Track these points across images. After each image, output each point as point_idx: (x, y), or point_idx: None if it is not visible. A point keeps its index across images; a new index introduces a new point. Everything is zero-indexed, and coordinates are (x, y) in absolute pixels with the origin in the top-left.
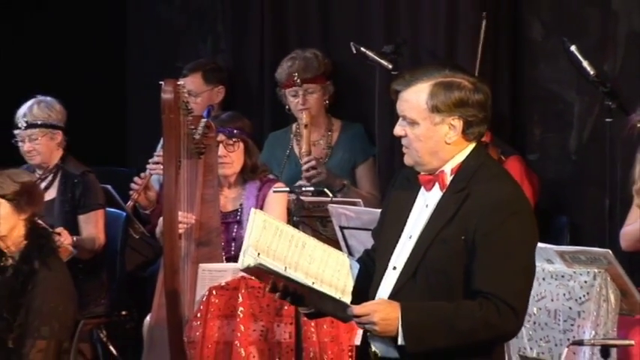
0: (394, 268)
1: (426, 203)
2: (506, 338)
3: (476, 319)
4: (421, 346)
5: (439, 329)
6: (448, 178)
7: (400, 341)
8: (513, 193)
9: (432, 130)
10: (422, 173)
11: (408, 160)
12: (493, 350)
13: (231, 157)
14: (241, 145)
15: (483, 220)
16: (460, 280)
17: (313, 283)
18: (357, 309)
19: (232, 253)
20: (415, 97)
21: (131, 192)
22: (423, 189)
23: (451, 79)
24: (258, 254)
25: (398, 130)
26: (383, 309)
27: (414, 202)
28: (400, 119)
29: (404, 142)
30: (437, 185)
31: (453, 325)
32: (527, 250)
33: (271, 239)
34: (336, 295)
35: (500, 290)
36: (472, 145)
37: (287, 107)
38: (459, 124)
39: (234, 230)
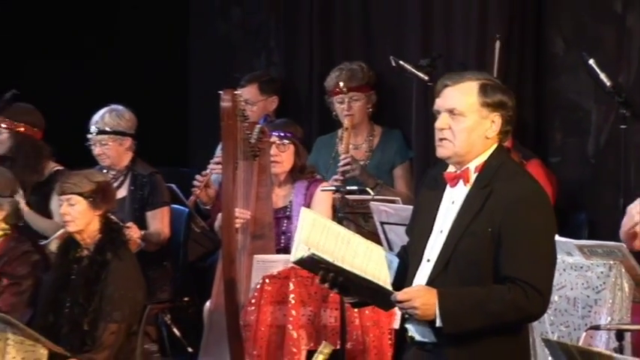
0: (428, 260)
1: (452, 200)
2: (534, 319)
3: (506, 302)
4: (457, 328)
5: (473, 312)
6: (472, 175)
7: (438, 323)
8: (533, 189)
9: (478, 122)
10: (447, 171)
11: (444, 153)
12: (520, 330)
13: (281, 157)
14: (291, 147)
15: (507, 213)
16: (489, 269)
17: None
18: (399, 295)
19: (282, 245)
20: (466, 91)
21: (193, 190)
22: (448, 187)
23: (494, 82)
24: (309, 249)
25: (441, 124)
26: (422, 295)
27: (441, 199)
28: (443, 113)
29: (445, 135)
30: (461, 182)
31: (485, 308)
32: (549, 239)
33: (320, 236)
34: (384, 280)
35: (526, 275)
36: (494, 146)
37: (334, 113)
38: (498, 121)
39: (284, 225)
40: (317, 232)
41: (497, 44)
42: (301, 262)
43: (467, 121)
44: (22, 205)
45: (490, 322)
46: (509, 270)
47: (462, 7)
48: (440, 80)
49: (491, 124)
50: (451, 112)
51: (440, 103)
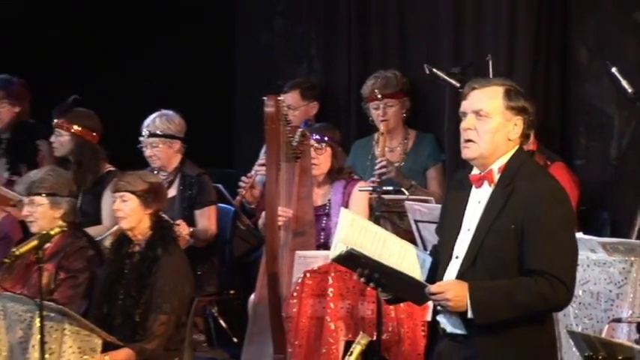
0: (457, 257)
1: (478, 200)
2: (559, 308)
3: (533, 294)
4: (487, 319)
5: (502, 304)
6: (496, 176)
7: (469, 315)
8: (552, 186)
9: (502, 124)
10: (472, 173)
11: (469, 154)
12: (545, 321)
13: (319, 160)
14: (328, 150)
15: (529, 210)
16: (514, 264)
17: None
18: (433, 288)
19: (322, 241)
20: (492, 95)
21: (239, 190)
22: (474, 188)
23: (518, 89)
24: (347, 247)
25: (467, 124)
26: (454, 287)
27: (467, 200)
28: (469, 115)
29: (470, 135)
30: (485, 182)
31: (513, 299)
32: (570, 232)
33: (358, 235)
34: (417, 275)
35: (551, 267)
36: (516, 148)
37: (370, 118)
38: (520, 124)
39: (323, 222)
40: (355, 231)
41: (490, 63)
42: (339, 259)
43: (492, 123)
44: None
45: (518, 313)
46: (533, 264)
47: (491, 19)
48: (468, 84)
49: (514, 126)
50: (477, 113)
51: (466, 105)
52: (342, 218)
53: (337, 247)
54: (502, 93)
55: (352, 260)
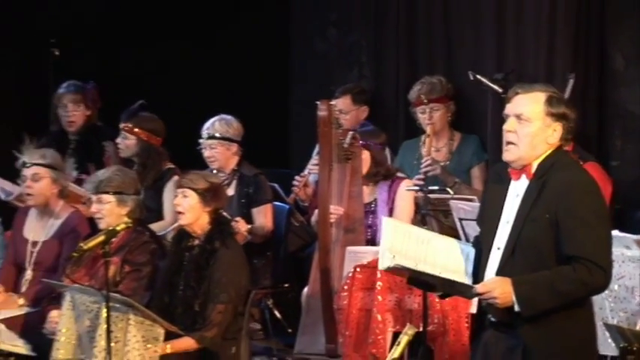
0: (498, 248)
1: (516, 193)
2: (598, 292)
3: (573, 281)
4: (533, 311)
5: (545, 294)
6: (533, 169)
7: (517, 309)
8: (584, 177)
9: (541, 129)
10: (511, 167)
11: (509, 157)
12: (585, 309)
13: None
14: (367, 153)
15: (562, 199)
16: (550, 252)
17: (440, 272)
18: (479, 288)
19: (369, 237)
20: (534, 100)
21: (293, 189)
22: (513, 181)
23: (560, 96)
24: (394, 256)
25: (509, 126)
26: (499, 285)
27: (506, 193)
28: (511, 118)
29: (511, 138)
30: (523, 176)
31: (555, 289)
32: (604, 219)
33: (402, 241)
34: (460, 280)
35: (587, 253)
36: (553, 148)
37: (417, 122)
38: (559, 130)
39: (370, 219)
40: (399, 238)
41: (571, 81)
42: (388, 270)
43: (531, 127)
44: None
45: (561, 301)
46: (571, 250)
47: (531, 28)
48: (512, 88)
49: (553, 132)
50: (518, 117)
51: (510, 108)
52: (385, 226)
53: (384, 257)
54: (544, 99)
55: (401, 271)
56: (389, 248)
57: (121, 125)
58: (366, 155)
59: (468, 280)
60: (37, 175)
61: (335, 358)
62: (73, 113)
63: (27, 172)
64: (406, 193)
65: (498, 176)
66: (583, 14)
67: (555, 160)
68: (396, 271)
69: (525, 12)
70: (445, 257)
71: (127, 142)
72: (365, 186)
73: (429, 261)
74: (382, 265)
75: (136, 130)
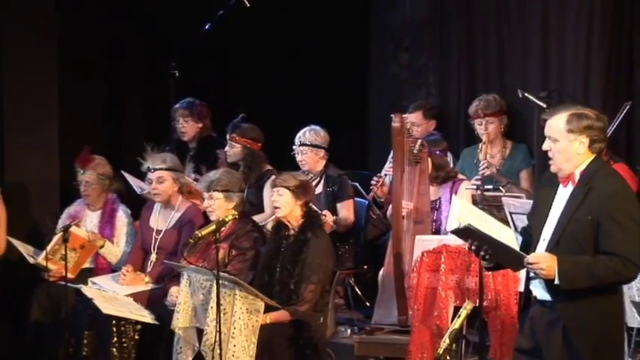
0: (544, 240)
1: (563, 196)
2: (628, 282)
3: (608, 269)
4: (570, 286)
5: (582, 274)
6: (577, 178)
7: (556, 281)
8: (623, 185)
9: (568, 145)
10: (560, 175)
11: (553, 168)
12: (615, 292)
13: None
14: (428, 160)
15: (604, 204)
16: (589, 247)
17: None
18: (530, 258)
19: (434, 229)
20: (556, 123)
21: (371, 187)
22: (561, 186)
23: (581, 112)
24: (460, 223)
25: (545, 146)
26: (547, 259)
27: (554, 195)
28: (547, 139)
29: (549, 155)
30: (570, 183)
31: (592, 272)
32: (637, 222)
33: (467, 215)
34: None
35: (622, 250)
36: (593, 156)
37: (475, 132)
38: (586, 141)
39: (434, 214)
40: (465, 212)
41: (627, 107)
42: (457, 231)
43: (559, 145)
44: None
45: (595, 283)
46: (608, 247)
47: (571, 52)
48: (544, 114)
49: (580, 144)
50: (549, 138)
51: (545, 131)
52: (454, 203)
53: (453, 223)
54: (564, 120)
55: (466, 233)
56: (456, 217)
57: (228, 136)
58: (427, 162)
59: None
60: (161, 177)
61: (405, 328)
62: (183, 125)
63: (152, 175)
64: (465, 191)
65: (550, 181)
66: (615, 39)
67: (597, 168)
68: (461, 233)
69: (566, 39)
70: (498, 236)
71: (234, 150)
72: (431, 186)
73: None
74: (450, 227)
75: (240, 139)
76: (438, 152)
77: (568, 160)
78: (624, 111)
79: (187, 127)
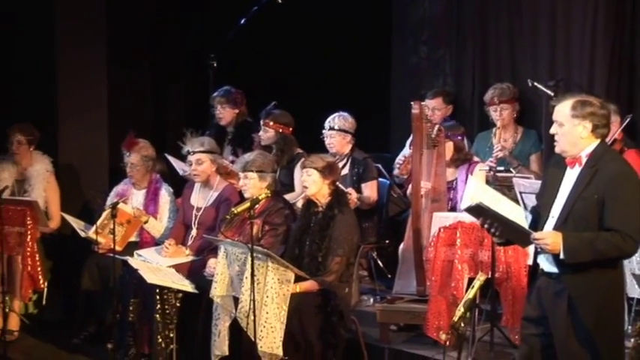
0: (552, 217)
1: (570, 177)
2: (628, 257)
3: (609, 243)
4: (574, 260)
5: (585, 249)
6: (584, 160)
7: (561, 256)
8: (627, 169)
9: (572, 129)
10: (567, 158)
11: (558, 149)
12: (616, 266)
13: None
14: (450, 144)
15: (608, 184)
16: (595, 224)
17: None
18: (537, 234)
19: (450, 207)
20: (563, 109)
21: (397, 165)
22: (568, 168)
23: (586, 99)
24: (472, 201)
25: (552, 130)
26: (552, 236)
27: (562, 176)
28: (554, 124)
29: (556, 137)
30: (577, 165)
31: (594, 246)
32: (638, 201)
33: (480, 194)
34: (523, 226)
35: (624, 227)
36: (598, 141)
37: (490, 118)
38: (589, 126)
39: (451, 193)
40: (479, 191)
41: (627, 119)
42: (470, 209)
43: (564, 128)
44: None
45: (597, 257)
46: (611, 223)
47: (578, 43)
48: (553, 101)
49: (583, 128)
50: (556, 122)
51: (553, 116)
52: (470, 182)
53: (466, 202)
54: (570, 106)
55: (478, 210)
56: (470, 196)
57: (261, 122)
58: (450, 145)
59: None
60: (200, 159)
61: (424, 297)
62: (220, 111)
63: (192, 158)
64: (479, 172)
65: (558, 163)
66: (618, 32)
67: (603, 152)
68: (473, 211)
69: (572, 32)
70: (508, 215)
71: (267, 134)
72: (449, 168)
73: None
74: (464, 205)
75: (273, 124)
76: (457, 137)
77: (572, 143)
78: (626, 122)
79: (225, 114)
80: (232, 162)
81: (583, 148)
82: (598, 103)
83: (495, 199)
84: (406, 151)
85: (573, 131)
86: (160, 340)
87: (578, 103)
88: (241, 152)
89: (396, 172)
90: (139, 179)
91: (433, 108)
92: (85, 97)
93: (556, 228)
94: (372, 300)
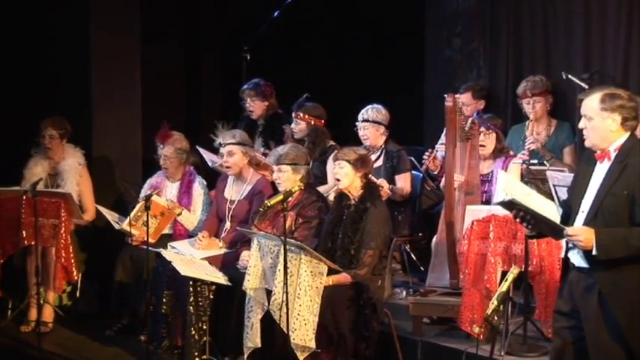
0: (582, 211)
1: (600, 171)
2: None
3: None
4: (607, 256)
5: (618, 245)
6: (613, 155)
7: (594, 252)
8: None
9: (600, 122)
10: (597, 152)
11: (587, 143)
12: None
13: (487, 142)
14: (493, 135)
15: (639, 180)
16: (624, 219)
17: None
18: (570, 230)
19: (484, 199)
20: (591, 102)
21: (423, 160)
22: (598, 163)
23: (614, 92)
24: (507, 195)
25: (581, 124)
26: (585, 232)
27: (593, 171)
28: (583, 118)
29: (584, 132)
30: (606, 159)
31: (627, 242)
32: None
33: (512, 188)
34: (555, 220)
35: None
36: (628, 134)
37: (523, 111)
38: (618, 119)
39: (486, 186)
40: (510, 185)
41: None
42: (502, 203)
43: (593, 122)
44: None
45: (630, 253)
46: None
47: (612, 36)
48: (580, 95)
49: (612, 121)
50: (585, 116)
51: (581, 111)
52: (500, 177)
53: (499, 196)
54: (598, 99)
55: (510, 205)
56: (503, 189)
57: (293, 114)
58: (493, 136)
59: None
60: (231, 151)
61: (457, 290)
62: (250, 104)
63: (223, 150)
64: (514, 165)
65: (589, 158)
66: None
67: (632, 146)
68: (506, 205)
69: (607, 25)
70: (540, 208)
71: (299, 127)
72: (485, 160)
73: (531, 206)
74: (497, 199)
75: (305, 116)
76: (497, 128)
77: (601, 137)
78: None
79: (254, 106)
80: (264, 154)
81: (612, 141)
82: (626, 96)
83: (526, 193)
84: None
85: (602, 124)
86: (193, 332)
87: (607, 96)
88: (273, 144)
89: (424, 166)
90: (173, 171)
91: (462, 103)
92: (119, 89)
93: (586, 223)
94: (404, 293)
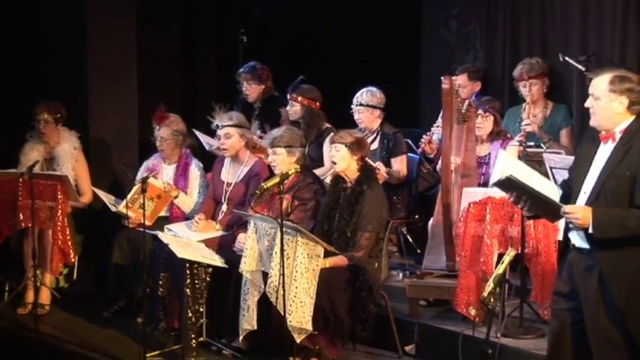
0: (584, 192)
1: (604, 153)
2: None
3: (639, 220)
4: (603, 235)
5: (615, 225)
6: (617, 136)
7: (590, 231)
8: None
9: (607, 103)
10: (601, 133)
11: (592, 122)
12: None
13: (484, 124)
14: (491, 117)
15: None
16: (626, 200)
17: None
18: (567, 208)
19: (481, 182)
20: (600, 83)
21: (420, 143)
22: (602, 144)
23: (625, 74)
24: (502, 174)
25: (588, 103)
26: (582, 210)
27: (596, 151)
28: (590, 96)
29: (591, 110)
30: (610, 140)
31: (624, 222)
32: None
33: (511, 168)
34: (554, 199)
35: None
36: (633, 117)
37: (519, 93)
38: (626, 102)
39: (483, 168)
40: (509, 165)
41: None
42: (499, 183)
43: (600, 102)
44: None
45: (626, 234)
46: None
47: (609, 19)
48: (590, 74)
49: (619, 104)
50: (592, 95)
51: (589, 89)
52: (500, 156)
53: (496, 175)
54: (607, 80)
55: (508, 184)
56: (500, 170)
57: (288, 96)
58: (490, 119)
59: None
60: (228, 134)
61: (453, 273)
62: (247, 88)
63: (220, 132)
64: (511, 148)
65: (592, 138)
66: None
67: (637, 129)
68: (503, 184)
69: (604, 7)
70: (539, 188)
71: (294, 108)
72: (482, 143)
73: (530, 185)
74: (493, 180)
75: (300, 98)
76: (495, 110)
77: (607, 118)
78: None
79: (251, 90)
80: (260, 137)
81: (617, 123)
82: (636, 79)
83: (526, 173)
84: (436, 126)
85: (609, 106)
86: (190, 314)
87: (617, 78)
88: (269, 127)
89: (420, 149)
90: (169, 154)
91: (458, 85)
92: (114, 71)
93: (588, 203)
94: (401, 275)
